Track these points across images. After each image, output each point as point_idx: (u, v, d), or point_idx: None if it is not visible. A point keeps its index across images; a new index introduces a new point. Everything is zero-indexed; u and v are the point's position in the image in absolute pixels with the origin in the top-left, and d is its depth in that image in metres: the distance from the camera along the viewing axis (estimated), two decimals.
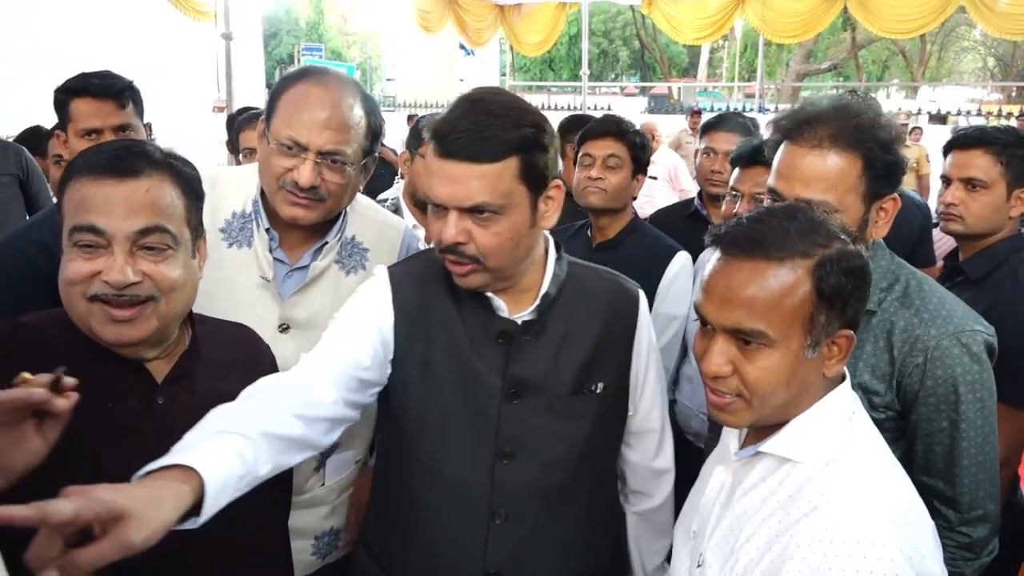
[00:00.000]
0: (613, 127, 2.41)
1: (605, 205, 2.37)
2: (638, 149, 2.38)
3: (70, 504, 0.84)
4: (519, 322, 1.40)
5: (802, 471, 1.08)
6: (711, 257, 1.12)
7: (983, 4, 11.84)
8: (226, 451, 1.07)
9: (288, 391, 1.27)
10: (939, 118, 14.10)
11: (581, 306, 1.44)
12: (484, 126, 1.26)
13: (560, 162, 3.35)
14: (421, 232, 2.53)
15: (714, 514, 1.18)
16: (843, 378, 1.15)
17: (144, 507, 0.90)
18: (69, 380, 1.04)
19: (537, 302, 1.41)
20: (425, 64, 15.39)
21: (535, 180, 1.31)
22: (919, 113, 14.24)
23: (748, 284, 1.05)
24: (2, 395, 0.98)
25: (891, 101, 24.35)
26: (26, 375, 1.03)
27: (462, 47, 16.22)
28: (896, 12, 12.55)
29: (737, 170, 2.32)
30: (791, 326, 1.04)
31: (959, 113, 14.56)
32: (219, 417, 1.15)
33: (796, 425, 1.10)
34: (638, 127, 2.49)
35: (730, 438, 1.24)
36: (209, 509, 1.02)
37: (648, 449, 1.57)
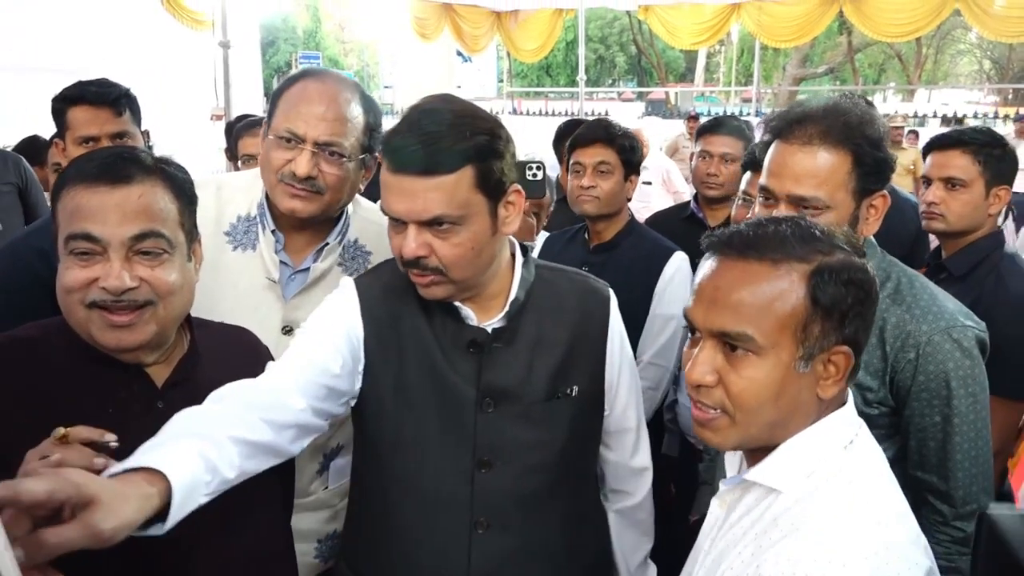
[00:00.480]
0: (601, 133, 2.40)
1: (599, 212, 2.39)
2: (628, 152, 2.39)
3: (44, 484, 0.82)
4: (489, 330, 1.38)
5: (782, 501, 1.01)
6: (704, 263, 1.07)
7: (978, 7, 11.86)
8: (192, 455, 1.03)
9: (256, 396, 1.24)
10: (956, 120, 14.11)
11: (551, 309, 1.42)
12: (436, 137, 1.24)
13: (558, 167, 3.36)
14: None
15: (703, 550, 1.13)
16: (844, 403, 1.06)
17: (113, 498, 0.88)
18: (110, 436, 1.04)
19: (506, 308, 1.39)
20: (422, 71, 15.45)
21: (492, 187, 1.29)
22: (914, 115, 14.29)
23: (737, 285, 0.99)
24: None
25: (888, 104, 24.41)
26: (62, 430, 1.02)
27: (459, 54, 16.28)
28: (892, 15, 12.57)
29: (748, 174, 2.33)
30: (781, 333, 0.97)
31: (962, 117, 14.60)
32: (185, 419, 1.12)
33: (783, 451, 1.02)
34: (627, 128, 2.49)
35: (730, 470, 1.18)
36: (175, 516, 0.98)
37: (625, 448, 1.57)
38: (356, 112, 1.61)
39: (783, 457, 1.02)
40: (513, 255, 1.44)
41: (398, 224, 1.30)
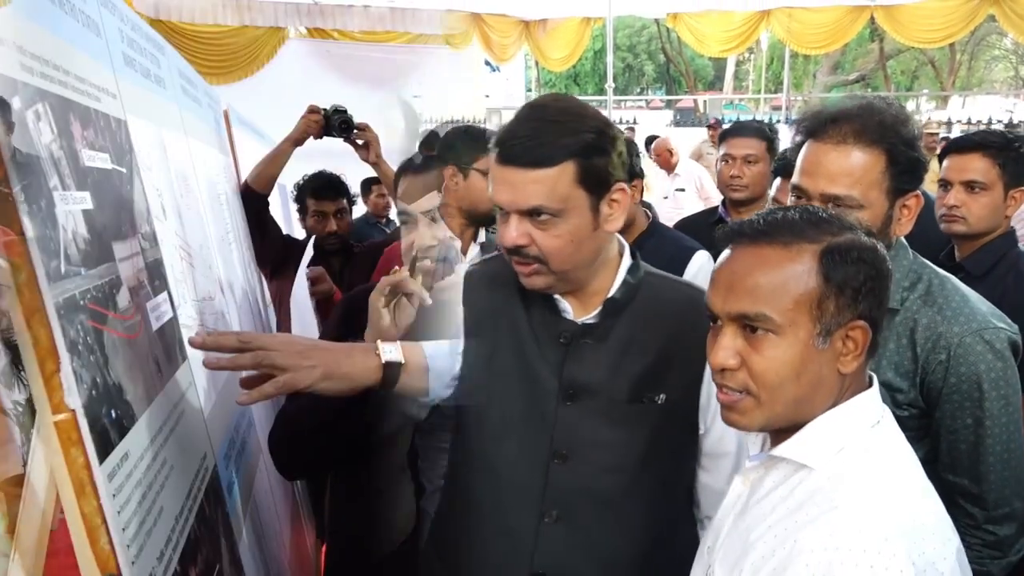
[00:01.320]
0: None
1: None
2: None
3: (250, 356, 1.18)
4: (580, 324, 1.40)
5: (815, 478, 1.03)
6: (721, 255, 1.10)
7: (1013, 12, 11.68)
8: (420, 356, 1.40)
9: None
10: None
11: (651, 315, 1.41)
12: (541, 132, 1.28)
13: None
14: (458, 244, 2.57)
15: (727, 525, 1.14)
16: (870, 384, 1.10)
17: (330, 360, 1.26)
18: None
19: (601, 307, 1.40)
20: (451, 81, 15.48)
21: (594, 184, 1.31)
22: (977, 121, 14.08)
23: (752, 269, 1.03)
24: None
25: (921, 112, 24.07)
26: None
27: (487, 63, 16.33)
28: (924, 21, 12.41)
29: (779, 180, 2.32)
30: (797, 311, 1.01)
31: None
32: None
33: (812, 428, 1.05)
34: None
35: (752, 448, 1.21)
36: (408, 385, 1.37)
37: (722, 473, 1.47)
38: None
39: (812, 434, 1.05)
40: (621, 255, 1.45)
41: (503, 214, 1.35)
